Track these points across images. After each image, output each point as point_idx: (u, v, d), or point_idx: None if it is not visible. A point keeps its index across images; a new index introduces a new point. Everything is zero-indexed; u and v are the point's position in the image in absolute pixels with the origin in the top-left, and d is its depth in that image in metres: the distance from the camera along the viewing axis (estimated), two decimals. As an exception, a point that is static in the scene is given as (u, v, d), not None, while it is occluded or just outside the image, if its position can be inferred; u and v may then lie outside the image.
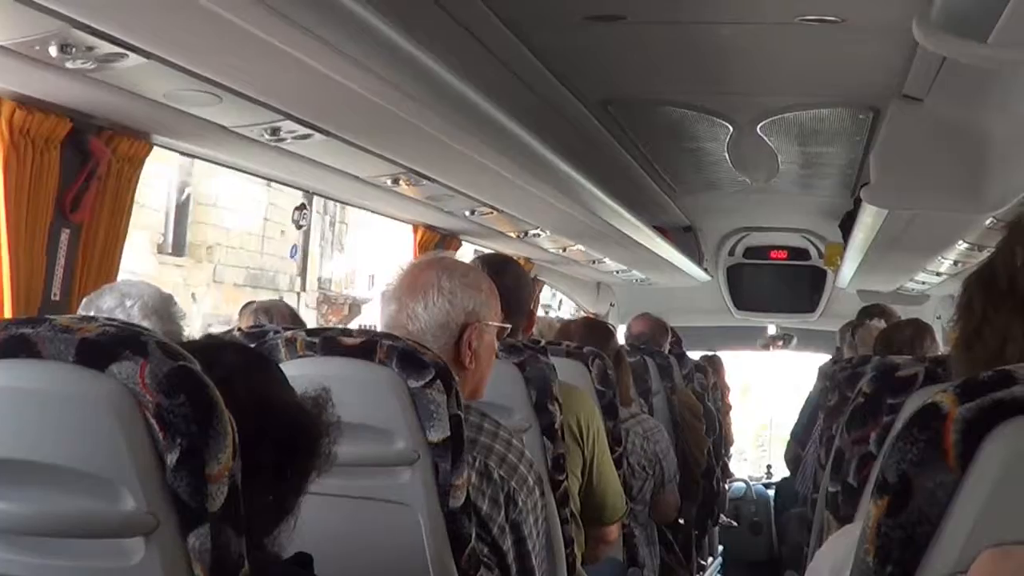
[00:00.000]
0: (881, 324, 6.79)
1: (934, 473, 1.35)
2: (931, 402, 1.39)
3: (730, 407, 11.15)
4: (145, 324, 3.07)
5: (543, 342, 4.54)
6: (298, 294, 23.04)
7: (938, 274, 8.04)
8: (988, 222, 5.35)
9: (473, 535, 2.95)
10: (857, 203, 7.00)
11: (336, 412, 2.15)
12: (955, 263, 7.27)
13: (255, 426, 1.83)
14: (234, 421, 1.73)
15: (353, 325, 21.47)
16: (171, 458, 1.69)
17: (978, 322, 1.66)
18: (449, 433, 2.86)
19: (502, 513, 3.13)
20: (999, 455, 1.35)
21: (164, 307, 3.79)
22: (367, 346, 2.88)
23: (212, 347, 2.09)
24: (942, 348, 6.00)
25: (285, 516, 2.04)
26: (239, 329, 5.25)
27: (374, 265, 24.25)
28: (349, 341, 2.92)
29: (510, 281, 4.28)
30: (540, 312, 11.31)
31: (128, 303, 3.72)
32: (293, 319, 5.71)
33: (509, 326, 3.46)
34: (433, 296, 3.19)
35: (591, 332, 5.73)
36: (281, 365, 2.90)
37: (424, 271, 3.25)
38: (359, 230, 24.00)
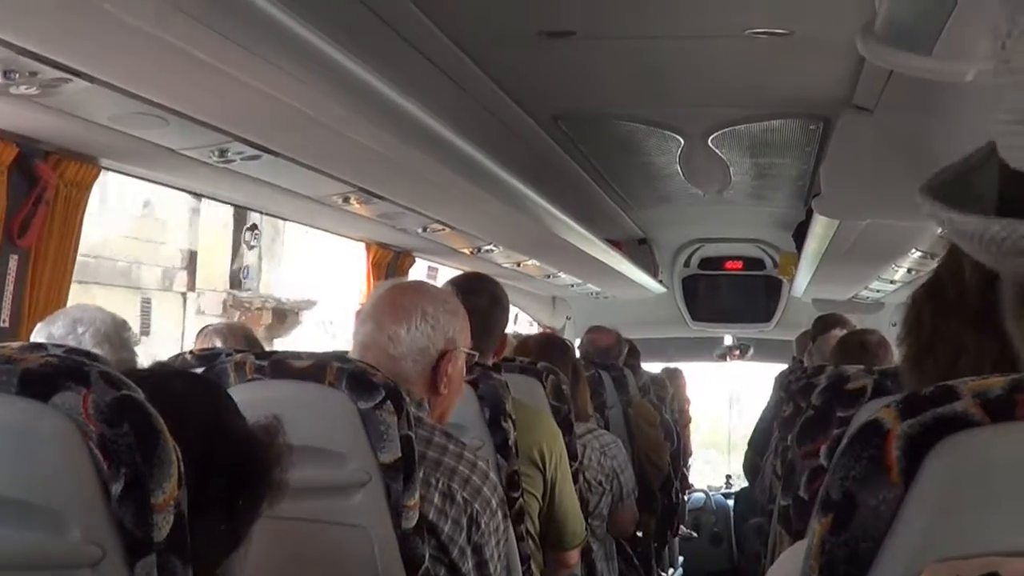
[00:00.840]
0: (842, 333, 6.82)
1: (877, 490, 1.35)
2: (873, 418, 1.39)
3: (690, 419, 11.16)
4: (97, 351, 3.05)
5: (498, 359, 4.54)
6: (183, 294, 20.10)
7: (892, 282, 8.09)
8: (940, 230, 5.37)
9: (427, 556, 2.94)
10: (809, 213, 7.03)
11: (288, 440, 2.13)
12: (909, 271, 7.32)
13: (205, 456, 1.82)
14: (180, 450, 1.72)
15: (290, 340, 20.34)
16: (116, 488, 1.67)
17: (928, 337, 1.66)
18: (400, 454, 2.85)
19: (464, 535, 3.12)
20: (941, 471, 1.35)
21: (117, 334, 3.77)
22: (317, 368, 2.88)
23: (160, 375, 2.08)
24: (897, 358, 6.03)
25: (236, 546, 2.03)
26: (191, 353, 5.23)
27: (317, 266, 22.00)
28: (299, 364, 2.91)
29: (485, 302, 4.28)
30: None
31: (80, 329, 3.70)
32: (249, 342, 5.67)
33: (477, 353, 3.46)
34: (416, 320, 3.19)
35: (547, 348, 5.74)
36: (230, 389, 2.89)
37: (407, 295, 3.26)
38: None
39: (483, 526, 3.17)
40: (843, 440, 1.46)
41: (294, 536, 2.89)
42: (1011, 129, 0.69)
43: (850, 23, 3.30)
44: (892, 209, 5.32)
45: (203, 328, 5.89)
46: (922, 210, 0.86)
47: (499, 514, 3.26)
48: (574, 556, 4.66)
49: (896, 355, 5.96)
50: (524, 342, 6.01)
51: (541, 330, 10.75)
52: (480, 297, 4.25)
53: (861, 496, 1.36)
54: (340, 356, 2.97)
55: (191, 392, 2.06)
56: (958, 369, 1.47)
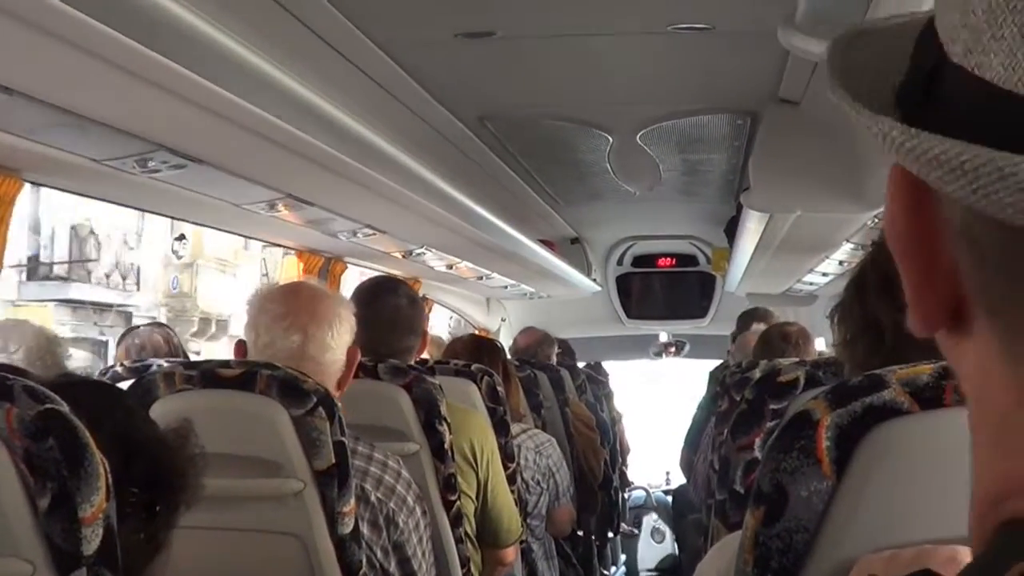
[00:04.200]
0: (762, 328, 6.85)
1: (809, 480, 1.35)
2: (803, 409, 1.39)
3: (621, 415, 11.18)
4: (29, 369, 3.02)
5: (431, 361, 4.54)
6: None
7: (825, 274, 8.11)
8: (870, 221, 5.40)
9: (364, 561, 2.93)
10: (740, 208, 7.06)
11: (200, 443, 2.10)
12: (841, 263, 7.34)
13: (118, 464, 1.80)
14: (110, 461, 1.70)
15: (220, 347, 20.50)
16: (43, 503, 1.66)
17: (893, 341, 1.67)
18: (334, 460, 2.84)
19: (383, 535, 3.13)
20: (872, 460, 1.35)
21: (50, 350, 3.74)
22: (246, 377, 2.86)
23: (67, 385, 2.04)
24: (826, 349, 6.06)
25: (157, 553, 2.00)
26: (121, 364, 5.19)
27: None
28: (228, 373, 2.89)
29: (405, 302, 4.29)
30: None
31: (12, 348, 3.67)
32: (170, 345, 5.64)
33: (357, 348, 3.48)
34: (337, 325, 3.23)
35: (477, 349, 5.73)
36: (160, 400, 2.88)
37: (320, 300, 3.30)
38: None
39: (401, 524, 3.18)
40: (771, 434, 1.46)
41: (229, 547, 2.88)
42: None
43: (773, 16, 3.31)
44: (821, 201, 5.34)
45: (128, 329, 5.85)
46: (871, 130, 0.71)
47: (417, 511, 3.28)
48: (510, 553, 4.66)
49: (820, 344, 6.02)
50: (453, 344, 6.02)
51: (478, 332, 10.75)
52: (399, 298, 4.27)
53: (793, 487, 1.36)
54: (269, 364, 2.95)
55: (98, 401, 2.03)
56: (885, 346, 1.47)
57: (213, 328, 28.60)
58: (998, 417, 0.68)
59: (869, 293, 1.73)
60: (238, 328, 6.93)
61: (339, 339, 3.24)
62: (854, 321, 1.75)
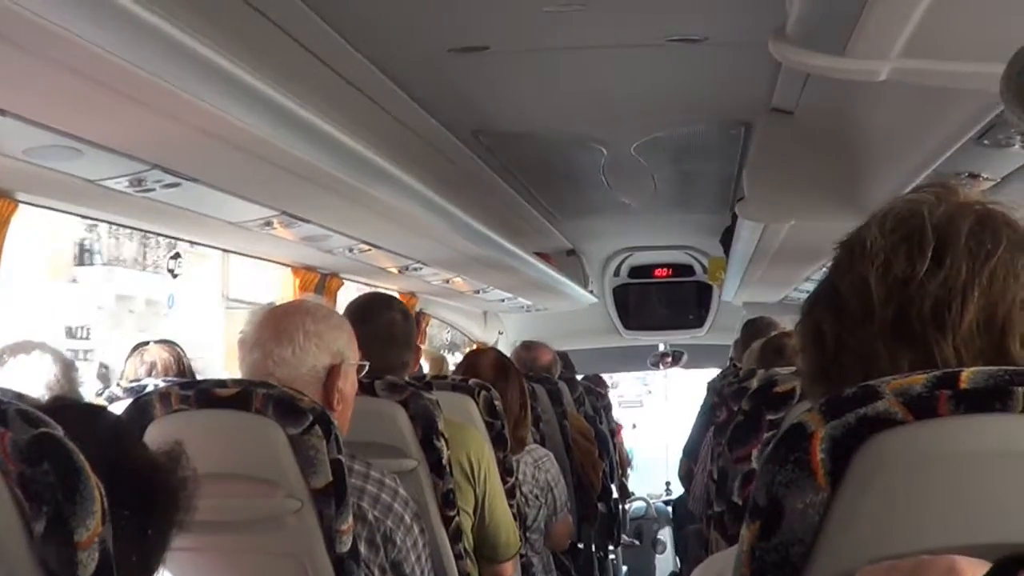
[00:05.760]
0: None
1: (804, 493, 1.35)
2: (797, 422, 1.39)
3: (620, 427, 11.17)
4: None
5: (428, 377, 4.52)
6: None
7: (820, 283, 8.11)
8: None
9: (362, 580, 2.92)
10: (735, 218, 7.06)
11: (192, 465, 2.09)
12: (836, 272, 7.34)
13: (109, 486, 1.79)
14: (101, 485, 1.69)
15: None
16: (38, 528, 1.64)
17: (834, 348, 1.66)
18: (331, 478, 2.84)
19: (380, 554, 3.11)
20: (867, 472, 1.35)
21: (66, 376, 3.76)
22: (242, 396, 2.85)
23: (57, 409, 2.04)
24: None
25: (150, 575, 2.00)
26: (118, 385, 5.17)
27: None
28: (223, 392, 2.88)
29: (399, 317, 4.28)
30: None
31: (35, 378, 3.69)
32: (178, 361, 5.59)
33: (367, 363, 3.43)
34: (300, 340, 3.15)
35: (501, 371, 5.57)
36: (156, 421, 2.87)
37: (288, 316, 3.21)
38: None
39: (399, 543, 3.16)
40: (768, 445, 1.45)
41: (227, 568, 2.87)
42: None
43: (764, 27, 3.31)
44: (815, 210, 5.34)
45: (136, 345, 5.81)
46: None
47: (415, 529, 3.25)
48: (509, 568, 4.64)
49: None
50: (474, 363, 5.82)
51: (475, 345, 10.72)
52: (392, 311, 4.25)
53: (788, 500, 1.35)
54: (265, 383, 2.94)
55: (89, 424, 2.03)
56: (868, 377, 1.46)
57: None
58: None
59: (818, 303, 1.73)
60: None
61: (304, 355, 3.18)
62: (804, 331, 1.75)
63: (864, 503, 1.35)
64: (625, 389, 25.37)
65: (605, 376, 11.84)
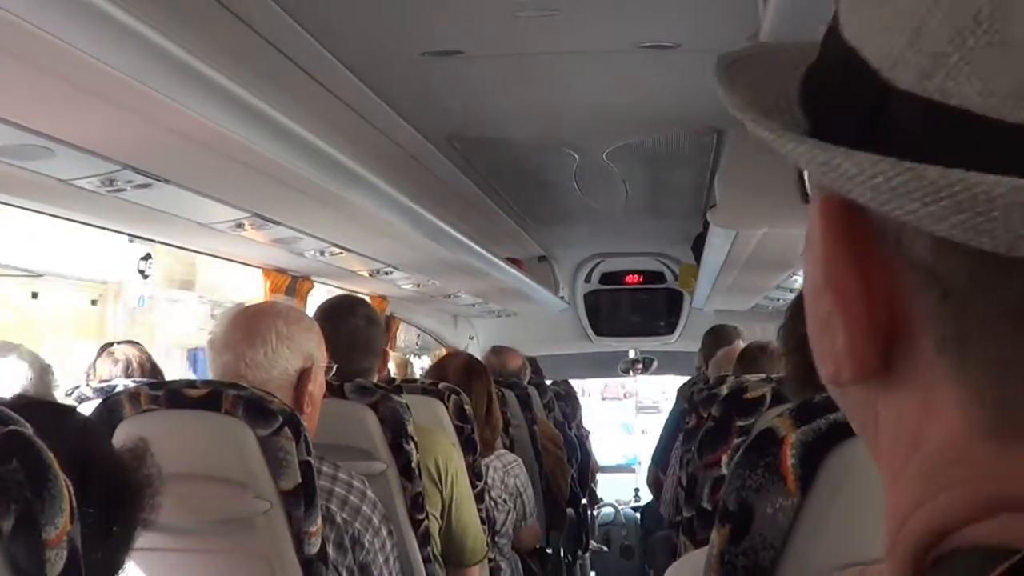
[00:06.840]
0: (740, 345, 6.85)
1: (774, 497, 1.35)
2: (767, 427, 1.39)
3: (588, 432, 11.19)
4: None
5: (397, 380, 4.52)
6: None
7: (792, 291, 8.14)
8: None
9: (331, 582, 2.92)
10: (707, 225, 7.07)
11: (156, 463, 2.09)
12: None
13: (74, 484, 1.79)
14: (70, 483, 1.69)
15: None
16: (6, 525, 1.64)
17: (790, 338, 1.67)
18: (300, 480, 2.83)
19: (349, 556, 3.11)
20: (838, 477, 1.35)
21: (41, 378, 3.75)
22: (212, 397, 2.85)
23: (26, 407, 2.03)
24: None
25: (114, 573, 2.00)
26: (87, 384, 5.16)
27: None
28: (193, 393, 2.87)
29: (362, 322, 4.28)
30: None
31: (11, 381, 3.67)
32: (143, 364, 5.58)
33: (335, 365, 3.43)
34: (272, 342, 3.15)
35: (468, 373, 5.61)
36: (125, 421, 2.87)
37: (259, 318, 3.21)
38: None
39: (367, 545, 3.16)
40: (738, 450, 1.46)
41: (195, 568, 2.86)
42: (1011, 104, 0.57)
43: (738, 34, 3.32)
44: (787, 218, 5.35)
45: (104, 345, 5.79)
46: (800, 160, 0.66)
47: (383, 531, 3.25)
48: (475, 573, 4.64)
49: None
50: (443, 366, 5.87)
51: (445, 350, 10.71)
52: (356, 318, 4.26)
53: (758, 505, 1.35)
54: (235, 384, 2.94)
55: (53, 422, 2.02)
56: (807, 363, 1.47)
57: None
58: (939, 455, 0.66)
59: (801, 309, 1.73)
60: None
61: (277, 357, 3.18)
62: (787, 336, 1.76)
63: (834, 508, 1.35)
64: (644, 394, 25.01)
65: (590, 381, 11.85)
